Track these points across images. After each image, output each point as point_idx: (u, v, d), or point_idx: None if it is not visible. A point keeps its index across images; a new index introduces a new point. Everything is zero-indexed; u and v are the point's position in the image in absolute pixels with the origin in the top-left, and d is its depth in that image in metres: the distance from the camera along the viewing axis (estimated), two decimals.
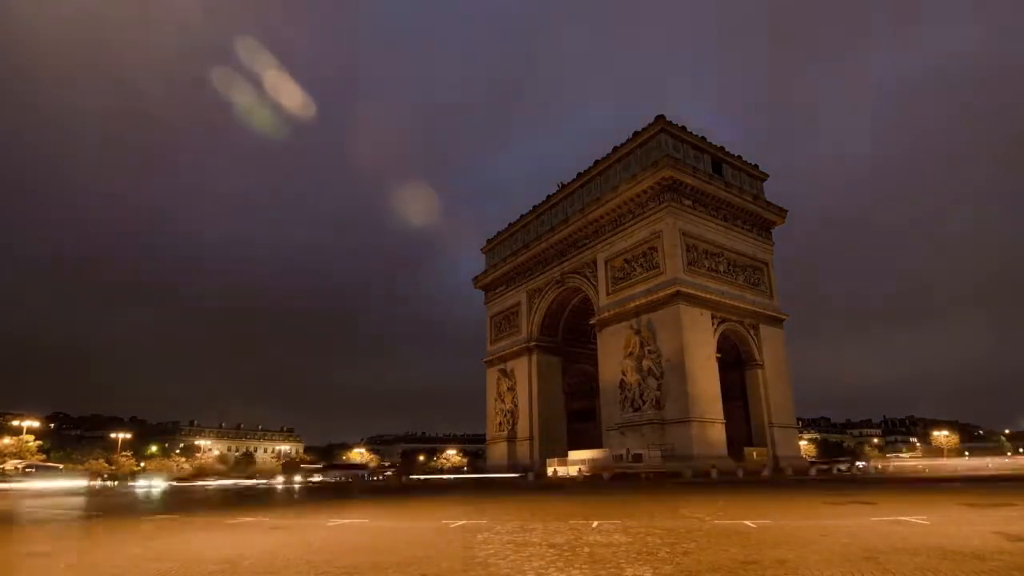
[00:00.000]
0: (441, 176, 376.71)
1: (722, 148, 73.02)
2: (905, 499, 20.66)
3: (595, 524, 12.63)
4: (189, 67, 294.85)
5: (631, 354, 65.22)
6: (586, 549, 9.03)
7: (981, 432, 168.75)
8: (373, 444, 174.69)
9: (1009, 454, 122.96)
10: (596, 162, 77.06)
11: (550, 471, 63.87)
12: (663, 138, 67.43)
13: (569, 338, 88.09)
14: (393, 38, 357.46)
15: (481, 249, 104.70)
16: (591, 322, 74.07)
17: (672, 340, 61.53)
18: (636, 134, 70.82)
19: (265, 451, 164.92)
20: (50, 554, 10.58)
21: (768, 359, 68.20)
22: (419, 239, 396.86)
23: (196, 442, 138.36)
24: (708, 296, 64.23)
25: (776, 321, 71.35)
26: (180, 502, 30.39)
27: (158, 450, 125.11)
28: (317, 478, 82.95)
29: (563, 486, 42.09)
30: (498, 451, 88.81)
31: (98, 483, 69.14)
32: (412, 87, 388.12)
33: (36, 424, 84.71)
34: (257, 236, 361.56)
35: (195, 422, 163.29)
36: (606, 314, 70.03)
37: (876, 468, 75.02)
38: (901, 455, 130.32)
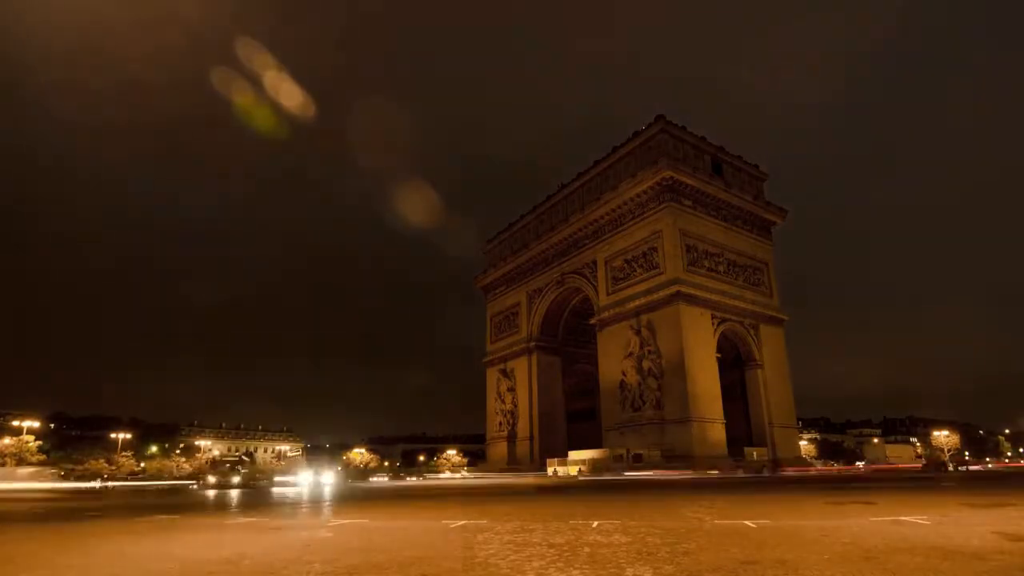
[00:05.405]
0: (441, 173, 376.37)
1: (722, 148, 73.04)
2: (905, 499, 20.68)
3: (595, 524, 12.62)
4: None
5: (631, 354, 65.24)
6: (586, 549, 9.02)
7: (981, 432, 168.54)
8: (373, 444, 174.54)
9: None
10: (596, 162, 77.05)
11: (550, 471, 63.82)
12: (663, 138, 67.46)
13: (569, 338, 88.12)
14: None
15: (481, 249, 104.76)
16: (591, 322, 74.11)
17: (672, 340, 61.55)
18: (636, 134, 70.84)
19: (265, 451, 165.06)
20: (51, 554, 10.58)
21: (768, 359, 68.21)
22: (418, 237, 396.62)
23: (196, 442, 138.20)
24: (708, 296, 64.25)
25: (776, 321, 71.32)
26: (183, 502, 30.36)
27: (158, 450, 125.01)
28: None
29: (563, 486, 42.05)
30: (498, 451, 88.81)
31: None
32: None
33: (36, 424, 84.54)
34: (255, 236, 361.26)
35: (195, 422, 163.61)
36: (606, 314, 70.02)
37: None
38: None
